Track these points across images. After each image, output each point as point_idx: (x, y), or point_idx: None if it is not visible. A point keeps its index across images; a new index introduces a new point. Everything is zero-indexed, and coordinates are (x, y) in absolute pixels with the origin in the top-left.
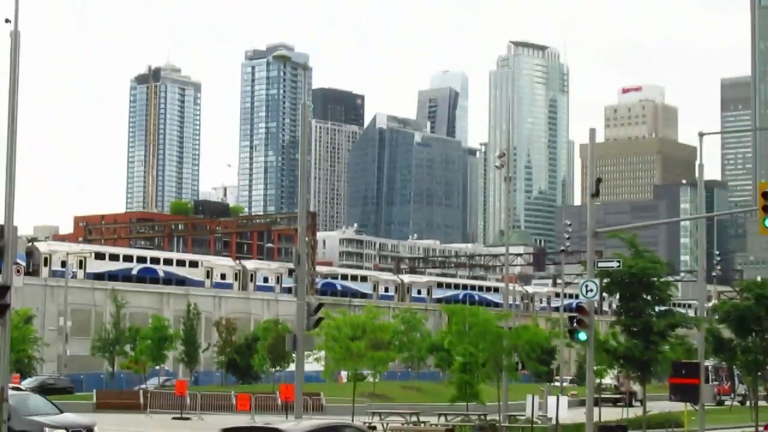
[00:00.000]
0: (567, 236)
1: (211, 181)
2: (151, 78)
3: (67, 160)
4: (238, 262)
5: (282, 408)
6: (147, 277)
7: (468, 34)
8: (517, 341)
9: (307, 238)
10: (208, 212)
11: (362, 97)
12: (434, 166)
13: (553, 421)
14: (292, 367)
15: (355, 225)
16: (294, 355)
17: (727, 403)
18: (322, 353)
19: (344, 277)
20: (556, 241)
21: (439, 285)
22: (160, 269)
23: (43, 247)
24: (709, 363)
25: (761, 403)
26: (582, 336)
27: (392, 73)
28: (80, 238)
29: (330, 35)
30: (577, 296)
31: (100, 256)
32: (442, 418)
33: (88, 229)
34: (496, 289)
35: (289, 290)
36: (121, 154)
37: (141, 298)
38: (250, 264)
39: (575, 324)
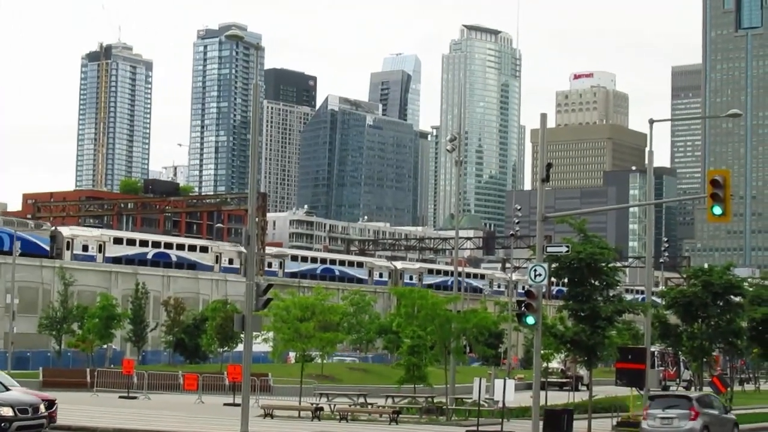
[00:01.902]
0: (517, 221)
1: (162, 161)
2: (102, 55)
3: (16, 137)
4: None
5: (229, 388)
6: (161, 261)
7: (421, 17)
8: (466, 325)
9: (257, 219)
10: (157, 191)
11: (314, 79)
12: (385, 148)
13: (500, 405)
14: (240, 347)
15: (306, 206)
16: (242, 335)
17: (672, 388)
18: (271, 334)
19: (342, 262)
20: (505, 226)
21: (430, 271)
22: (173, 254)
23: (65, 231)
24: (655, 348)
25: (705, 388)
26: (530, 320)
27: (345, 55)
28: (28, 215)
29: (283, 16)
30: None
31: (117, 241)
32: (390, 400)
33: (37, 206)
34: (482, 276)
35: (293, 275)
36: (71, 132)
37: (89, 277)
38: None
39: (523, 308)
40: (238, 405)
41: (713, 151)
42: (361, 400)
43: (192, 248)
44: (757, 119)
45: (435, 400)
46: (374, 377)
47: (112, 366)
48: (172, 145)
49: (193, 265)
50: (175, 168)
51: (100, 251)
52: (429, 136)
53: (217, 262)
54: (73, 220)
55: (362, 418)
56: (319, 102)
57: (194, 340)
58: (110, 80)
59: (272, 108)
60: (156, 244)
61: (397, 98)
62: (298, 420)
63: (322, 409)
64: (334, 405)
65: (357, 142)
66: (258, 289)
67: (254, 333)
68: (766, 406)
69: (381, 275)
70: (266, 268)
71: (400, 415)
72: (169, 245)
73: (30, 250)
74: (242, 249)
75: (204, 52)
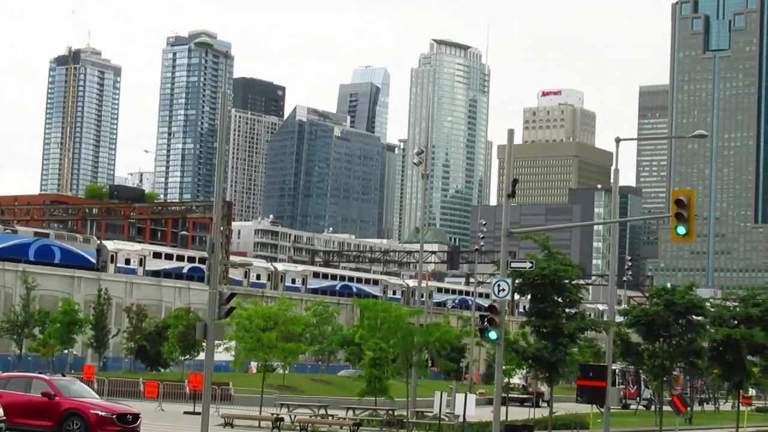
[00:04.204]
0: (481, 236)
1: (128, 167)
2: (70, 60)
3: None
4: (270, 264)
5: (190, 396)
6: (195, 275)
7: (391, 30)
8: (428, 338)
9: (222, 228)
10: (123, 197)
11: (283, 89)
12: (352, 160)
13: (461, 419)
14: (202, 355)
15: (271, 216)
16: (204, 343)
17: (632, 406)
18: (233, 343)
19: (359, 280)
20: (470, 240)
21: (439, 290)
22: (205, 268)
23: (110, 245)
24: (617, 366)
25: (665, 408)
26: (492, 335)
27: (314, 65)
28: None
29: (253, 25)
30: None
31: (157, 255)
32: (350, 412)
33: (1, 209)
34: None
35: (314, 291)
36: (38, 136)
37: (51, 281)
38: (280, 266)
39: (486, 323)
40: (198, 413)
41: (678, 172)
42: (322, 411)
43: None
44: (723, 141)
45: (396, 413)
46: (336, 389)
47: (72, 372)
48: (139, 151)
49: None
50: (141, 174)
51: (140, 265)
52: (396, 149)
53: (245, 277)
54: (37, 223)
55: (322, 430)
56: (287, 112)
57: (156, 348)
58: (78, 85)
59: (240, 117)
60: (191, 259)
61: (366, 110)
62: (259, 430)
63: (282, 419)
64: (295, 416)
65: (324, 153)
66: (221, 297)
67: (216, 342)
68: (725, 427)
69: (394, 293)
70: (289, 284)
71: (361, 428)
72: (203, 260)
73: (78, 262)
74: (270, 266)
75: (173, 59)
